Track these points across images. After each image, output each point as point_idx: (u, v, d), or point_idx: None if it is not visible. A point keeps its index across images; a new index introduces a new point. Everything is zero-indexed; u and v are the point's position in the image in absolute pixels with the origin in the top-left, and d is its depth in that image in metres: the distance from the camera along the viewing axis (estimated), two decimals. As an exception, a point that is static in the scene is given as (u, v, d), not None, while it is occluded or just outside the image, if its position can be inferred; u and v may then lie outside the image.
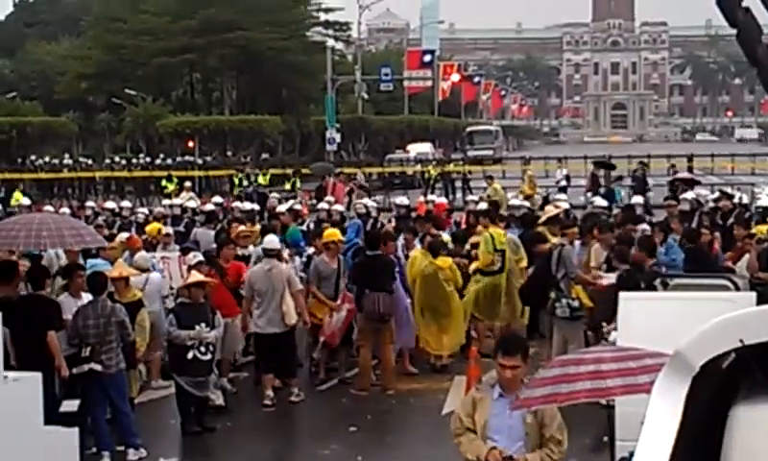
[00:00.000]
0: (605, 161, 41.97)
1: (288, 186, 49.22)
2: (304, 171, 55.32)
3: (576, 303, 16.56)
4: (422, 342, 18.76)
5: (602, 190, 36.17)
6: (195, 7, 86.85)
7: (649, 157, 51.95)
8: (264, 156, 73.95)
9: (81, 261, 16.65)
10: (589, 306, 16.66)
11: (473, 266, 19.28)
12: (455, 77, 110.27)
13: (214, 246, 19.27)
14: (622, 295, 11.02)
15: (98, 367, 13.53)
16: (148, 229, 21.85)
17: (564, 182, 44.93)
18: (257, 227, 22.02)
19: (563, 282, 16.67)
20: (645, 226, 20.82)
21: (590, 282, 16.93)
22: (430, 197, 32.26)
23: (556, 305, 16.57)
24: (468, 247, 19.87)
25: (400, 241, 20.10)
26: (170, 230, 21.33)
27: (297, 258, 19.42)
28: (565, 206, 25.25)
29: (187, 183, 45.81)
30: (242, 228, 20.55)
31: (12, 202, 39.49)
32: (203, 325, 14.70)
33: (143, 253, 18.35)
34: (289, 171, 55.56)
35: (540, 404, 7.53)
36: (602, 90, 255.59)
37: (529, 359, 8.85)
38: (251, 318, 16.76)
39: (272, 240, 17.49)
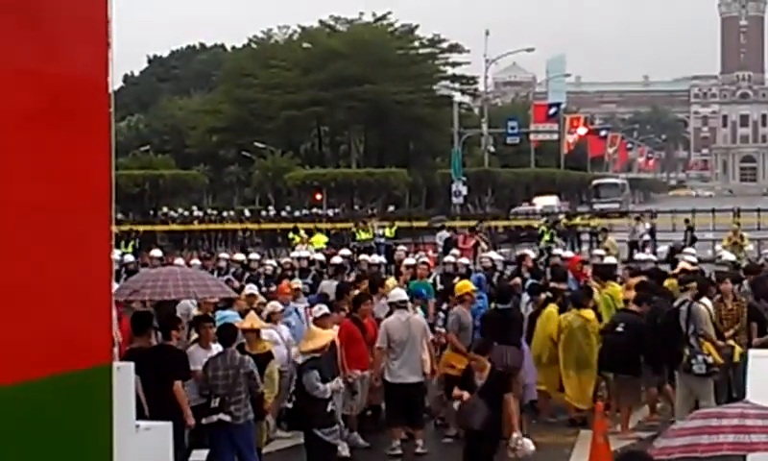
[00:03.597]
0: None
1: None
2: (421, 224, 55.69)
3: (711, 360, 16.43)
4: (566, 396, 18.67)
5: None
6: (324, 61, 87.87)
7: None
8: (390, 208, 74.40)
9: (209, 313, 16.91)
10: (720, 363, 16.53)
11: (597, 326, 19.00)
12: (581, 130, 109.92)
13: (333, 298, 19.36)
14: (752, 352, 10.90)
15: (226, 418, 13.70)
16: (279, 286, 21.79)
17: (647, 237, 44.16)
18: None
19: (693, 338, 16.54)
20: None
21: (716, 343, 16.79)
22: (556, 250, 32.01)
23: (692, 362, 16.42)
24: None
25: (525, 298, 20.11)
26: (299, 282, 21.51)
27: (419, 309, 19.44)
28: (693, 259, 25.01)
29: (303, 235, 46.42)
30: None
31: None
32: (336, 378, 14.80)
33: (275, 303, 18.54)
34: (417, 224, 55.85)
35: (679, 454, 7.43)
36: (731, 143, 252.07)
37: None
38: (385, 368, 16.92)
39: (399, 293, 17.67)
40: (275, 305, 18.11)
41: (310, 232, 49.47)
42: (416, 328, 16.84)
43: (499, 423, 13.26)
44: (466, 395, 13.45)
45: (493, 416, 13.13)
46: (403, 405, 16.79)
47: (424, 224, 59.41)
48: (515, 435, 13.04)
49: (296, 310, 18.98)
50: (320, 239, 44.56)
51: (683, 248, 36.18)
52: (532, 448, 13.46)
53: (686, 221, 45.29)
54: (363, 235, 49.64)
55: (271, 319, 17.46)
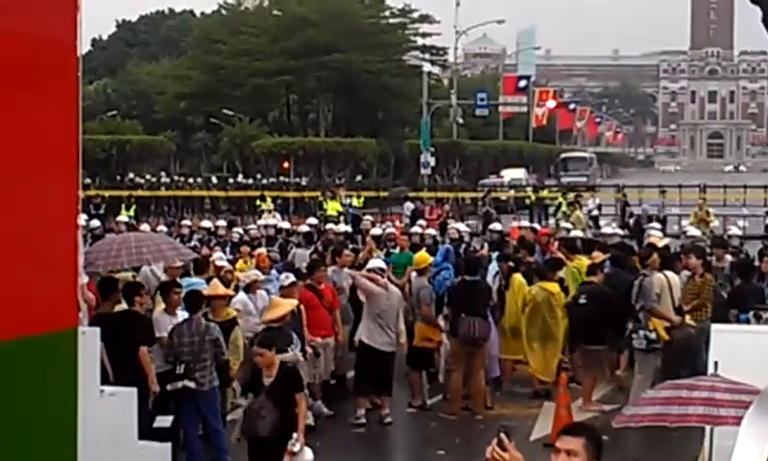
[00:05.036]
0: None
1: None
2: (384, 194, 55.71)
3: (653, 336, 16.49)
4: (530, 368, 18.76)
5: None
6: (293, 29, 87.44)
7: (745, 188, 51.34)
8: (358, 178, 74.30)
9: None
10: (666, 340, 16.57)
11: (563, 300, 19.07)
12: (551, 103, 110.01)
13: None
14: (714, 327, 10.96)
15: (191, 384, 13.73)
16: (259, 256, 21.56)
17: (595, 212, 44.35)
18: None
19: (641, 314, 16.64)
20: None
21: (668, 318, 16.78)
22: (523, 223, 32.00)
23: (633, 336, 16.59)
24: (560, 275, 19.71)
25: (494, 268, 20.13)
26: (264, 251, 21.53)
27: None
28: (660, 235, 25.12)
29: (269, 204, 46.29)
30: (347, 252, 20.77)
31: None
32: (293, 346, 14.83)
33: (255, 271, 18.52)
34: (384, 194, 55.89)
35: (648, 422, 7.48)
36: (699, 119, 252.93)
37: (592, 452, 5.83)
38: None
39: (377, 262, 17.79)
40: (256, 274, 18.09)
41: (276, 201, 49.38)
42: (395, 298, 16.95)
43: (290, 426, 11.57)
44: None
45: (283, 419, 11.58)
46: (373, 372, 16.80)
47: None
48: (295, 435, 11.38)
49: (277, 278, 18.95)
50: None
51: (649, 220, 36.36)
52: (310, 456, 11.55)
53: (624, 196, 45.32)
54: (330, 205, 49.60)
55: (251, 287, 17.40)
